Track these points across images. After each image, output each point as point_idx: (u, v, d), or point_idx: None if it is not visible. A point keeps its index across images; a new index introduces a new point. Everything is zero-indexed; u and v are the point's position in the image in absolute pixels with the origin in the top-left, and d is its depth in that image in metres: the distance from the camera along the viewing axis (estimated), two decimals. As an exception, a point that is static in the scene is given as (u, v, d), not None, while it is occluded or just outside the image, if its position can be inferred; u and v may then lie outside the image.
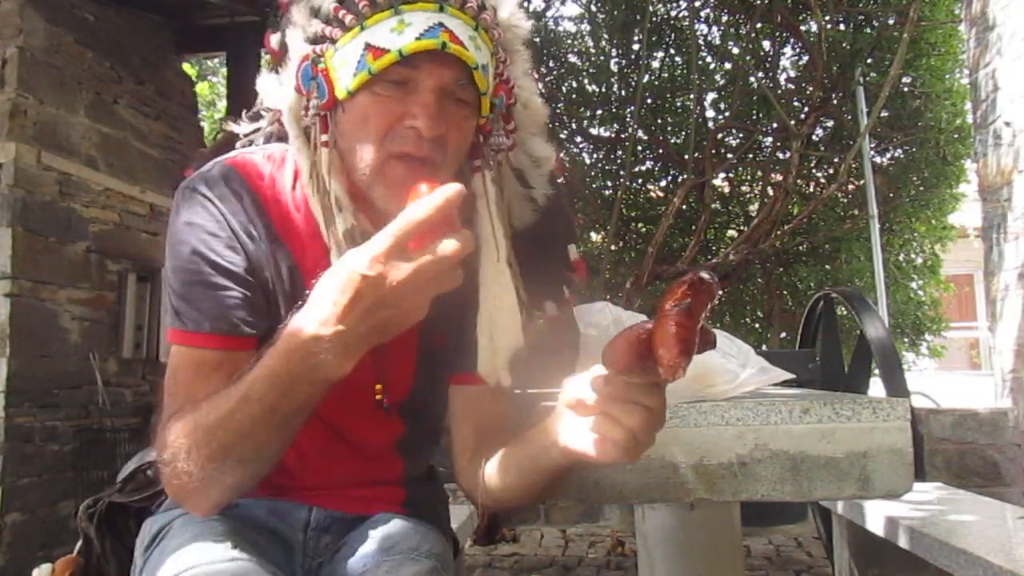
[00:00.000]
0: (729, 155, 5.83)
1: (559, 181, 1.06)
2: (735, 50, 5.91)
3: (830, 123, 5.81)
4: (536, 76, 1.02)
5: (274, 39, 0.96)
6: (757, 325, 6.17)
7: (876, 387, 3.03)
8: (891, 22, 5.27)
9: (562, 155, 6.28)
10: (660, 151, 6.13)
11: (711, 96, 6.21)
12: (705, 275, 0.70)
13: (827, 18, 5.02)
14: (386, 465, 1.05)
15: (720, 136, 5.81)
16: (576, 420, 0.79)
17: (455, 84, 0.86)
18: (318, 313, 0.75)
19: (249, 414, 0.79)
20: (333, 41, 0.86)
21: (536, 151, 1.02)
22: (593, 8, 6.16)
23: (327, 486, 1.02)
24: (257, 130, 1.03)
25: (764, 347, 5.56)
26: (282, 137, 0.99)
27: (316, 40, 0.88)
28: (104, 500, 1.06)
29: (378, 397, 0.98)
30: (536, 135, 1.03)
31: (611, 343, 0.72)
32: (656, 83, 6.11)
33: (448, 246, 0.72)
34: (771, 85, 5.63)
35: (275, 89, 0.95)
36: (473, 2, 0.87)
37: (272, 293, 0.93)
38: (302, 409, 0.81)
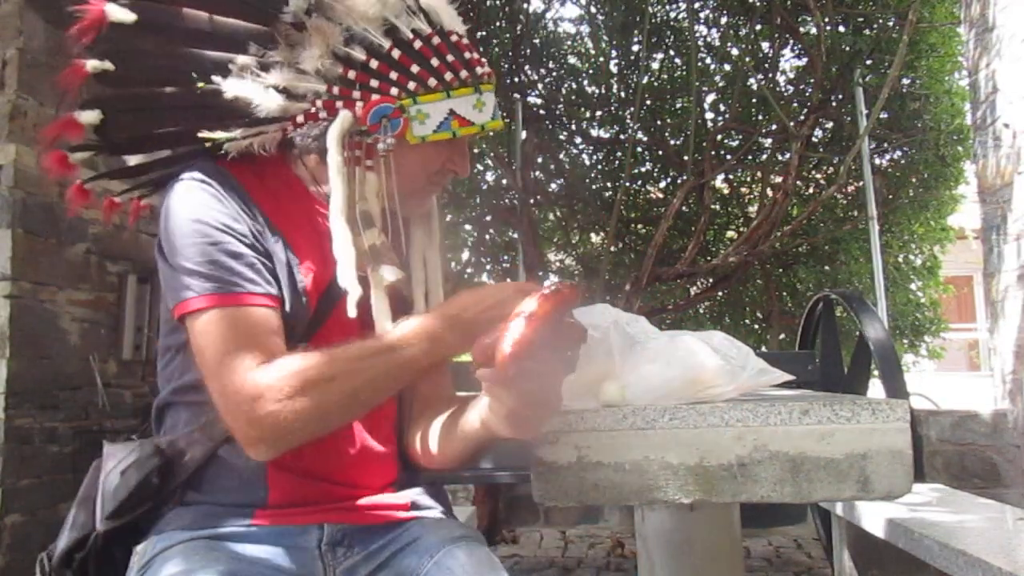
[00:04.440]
0: (728, 156, 5.83)
1: None
2: (734, 51, 5.91)
3: (829, 124, 5.81)
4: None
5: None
6: (756, 326, 6.17)
7: (876, 388, 3.03)
8: (890, 24, 5.28)
9: (562, 156, 6.29)
10: (660, 152, 6.13)
11: (711, 97, 6.22)
12: (563, 286, 0.84)
13: (826, 20, 5.02)
14: (384, 447, 1.10)
15: (720, 137, 5.81)
16: (485, 400, 0.91)
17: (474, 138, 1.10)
18: (478, 303, 0.94)
19: (389, 362, 0.92)
20: (412, 93, 0.99)
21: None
22: (593, 9, 6.16)
23: (331, 497, 1.03)
24: (258, 134, 1.01)
25: (763, 348, 5.56)
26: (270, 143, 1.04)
27: (381, 78, 0.99)
28: (97, 535, 1.00)
29: None
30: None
31: (478, 342, 0.86)
32: (656, 84, 6.11)
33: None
34: (770, 87, 5.64)
35: (269, 98, 0.98)
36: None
37: (273, 268, 0.98)
38: (421, 372, 0.96)
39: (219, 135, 0.99)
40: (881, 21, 5.40)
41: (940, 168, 5.47)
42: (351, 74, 0.99)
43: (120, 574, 0.99)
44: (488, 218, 6.14)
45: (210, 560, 0.91)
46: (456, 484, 3.88)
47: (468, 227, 6.22)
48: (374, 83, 0.99)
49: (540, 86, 6.21)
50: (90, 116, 1.00)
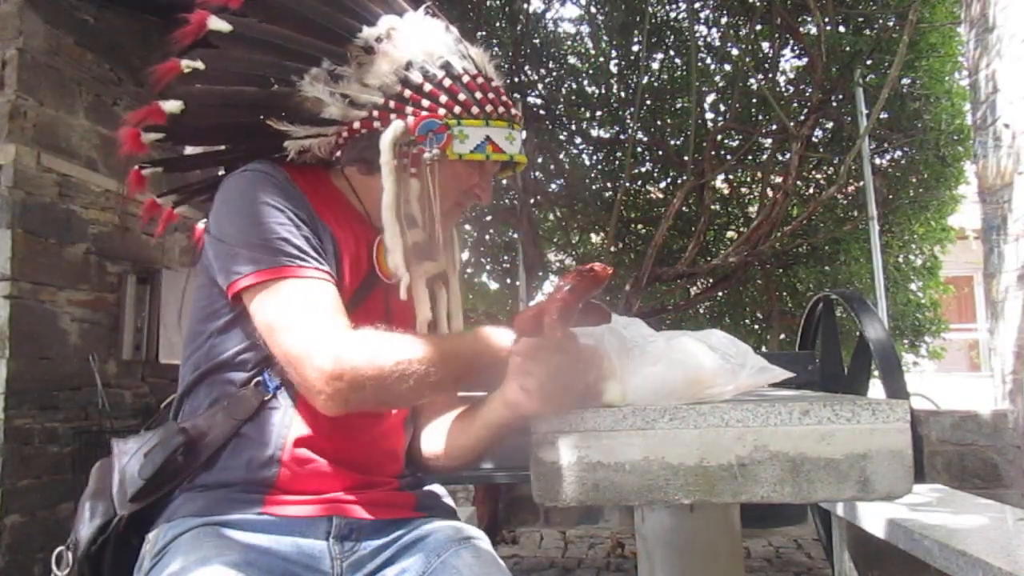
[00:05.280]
0: (729, 157, 5.83)
1: None
2: (735, 52, 5.91)
3: (830, 125, 5.81)
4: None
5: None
6: (757, 327, 6.18)
7: (876, 389, 3.03)
8: (891, 24, 5.28)
9: (562, 156, 6.29)
10: (660, 153, 6.13)
11: (711, 98, 6.22)
12: (597, 266, 0.92)
13: (826, 20, 5.02)
14: (394, 438, 1.17)
15: (720, 138, 5.80)
16: (512, 380, 0.97)
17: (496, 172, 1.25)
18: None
19: (451, 361, 1.01)
20: (457, 116, 1.13)
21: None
22: (593, 10, 6.16)
23: (339, 485, 1.07)
24: (317, 135, 1.15)
25: (763, 348, 5.56)
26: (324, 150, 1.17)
27: (432, 99, 1.13)
28: (120, 518, 1.03)
29: None
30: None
31: (520, 314, 0.95)
32: (656, 85, 6.11)
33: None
34: (770, 87, 5.63)
35: (334, 102, 1.12)
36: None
37: (325, 256, 1.08)
38: (457, 382, 1.04)
39: (285, 126, 1.13)
40: (881, 21, 5.39)
41: (940, 168, 5.47)
42: (407, 93, 1.13)
43: (134, 562, 1.01)
44: (488, 218, 6.14)
45: (222, 548, 0.94)
46: (456, 484, 3.88)
47: (468, 227, 6.22)
48: (425, 103, 1.13)
49: (540, 86, 6.21)
50: (173, 106, 1.12)
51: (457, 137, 1.13)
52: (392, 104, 1.13)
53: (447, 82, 1.14)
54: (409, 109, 1.13)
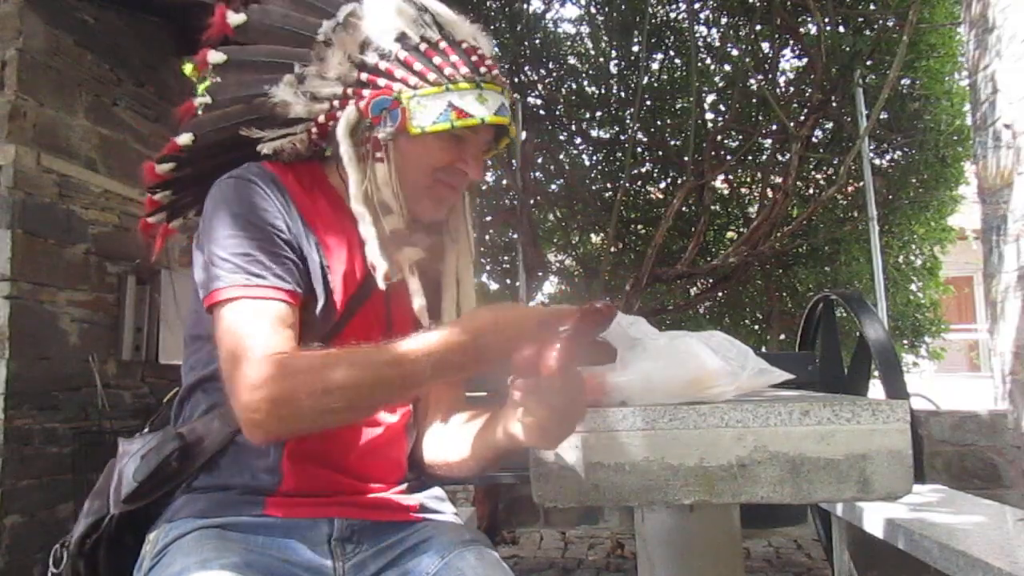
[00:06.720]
0: (728, 157, 5.82)
1: None
2: (734, 52, 5.91)
3: (829, 125, 5.80)
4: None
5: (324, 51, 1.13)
6: (756, 327, 6.17)
7: (876, 389, 3.03)
8: (890, 24, 5.27)
9: (562, 157, 6.29)
10: (660, 153, 6.13)
11: (711, 98, 6.21)
12: (599, 305, 0.87)
13: (826, 20, 5.02)
14: (396, 445, 1.15)
15: (719, 138, 5.80)
16: (511, 411, 0.94)
17: (488, 143, 1.16)
18: (496, 331, 0.90)
19: (393, 373, 0.90)
20: (412, 87, 1.07)
21: None
22: (592, 10, 6.16)
23: (342, 490, 1.06)
24: (286, 135, 1.14)
25: (763, 348, 5.55)
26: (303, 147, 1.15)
27: (388, 77, 1.08)
28: (111, 517, 1.04)
29: None
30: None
31: (518, 354, 0.90)
32: (655, 85, 6.10)
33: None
34: (770, 87, 5.63)
35: (297, 100, 1.12)
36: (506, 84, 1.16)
37: (306, 268, 1.05)
38: (425, 387, 1.01)
39: (255, 132, 1.14)
40: (881, 21, 5.39)
41: (940, 169, 5.46)
42: (364, 76, 1.10)
43: (131, 562, 1.02)
44: (488, 218, 6.14)
45: (223, 550, 0.93)
46: (456, 484, 3.88)
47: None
48: (382, 82, 1.09)
49: (540, 86, 6.21)
50: (185, 138, 1.17)
51: (414, 111, 1.07)
52: (351, 91, 1.10)
53: (402, 55, 1.09)
54: (367, 92, 1.09)
